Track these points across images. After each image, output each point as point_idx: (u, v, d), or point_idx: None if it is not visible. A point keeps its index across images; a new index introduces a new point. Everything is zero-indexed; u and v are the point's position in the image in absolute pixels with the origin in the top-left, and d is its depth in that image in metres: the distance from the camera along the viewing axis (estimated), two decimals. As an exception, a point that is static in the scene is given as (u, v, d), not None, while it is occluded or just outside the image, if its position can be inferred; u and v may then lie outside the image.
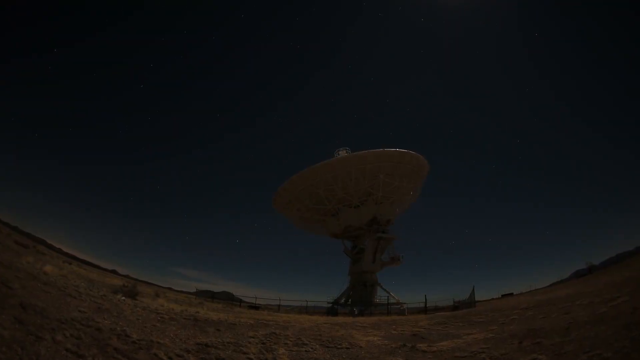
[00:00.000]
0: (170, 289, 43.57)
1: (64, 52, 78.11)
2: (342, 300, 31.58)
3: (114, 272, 47.66)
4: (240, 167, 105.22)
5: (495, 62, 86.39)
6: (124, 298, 10.01)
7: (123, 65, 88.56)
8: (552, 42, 76.15)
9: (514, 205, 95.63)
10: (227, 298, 35.57)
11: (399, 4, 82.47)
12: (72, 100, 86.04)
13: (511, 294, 30.53)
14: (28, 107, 78.62)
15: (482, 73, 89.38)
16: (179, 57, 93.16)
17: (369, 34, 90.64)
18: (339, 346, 7.19)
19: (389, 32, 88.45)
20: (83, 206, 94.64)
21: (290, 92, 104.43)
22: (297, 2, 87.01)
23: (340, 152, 31.96)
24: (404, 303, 29.11)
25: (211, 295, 33.60)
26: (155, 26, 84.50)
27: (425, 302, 26.64)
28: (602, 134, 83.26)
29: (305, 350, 6.55)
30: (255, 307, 28.86)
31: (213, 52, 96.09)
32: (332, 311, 28.37)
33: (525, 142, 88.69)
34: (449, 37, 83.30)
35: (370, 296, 30.38)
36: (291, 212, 35.14)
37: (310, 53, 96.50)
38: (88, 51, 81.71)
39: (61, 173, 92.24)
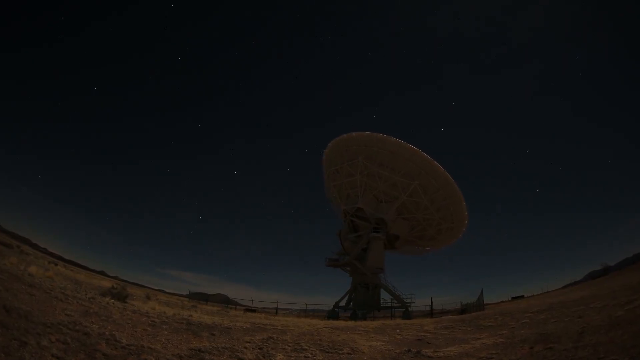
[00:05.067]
0: (161, 291, 43.94)
1: (50, 47, 78.30)
2: (344, 303, 31.71)
3: (102, 273, 47.98)
4: (239, 168, 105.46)
5: (506, 62, 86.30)
6: (113, 301, 10.05)
7: (117, 63, 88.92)
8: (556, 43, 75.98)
9: (525, 203, 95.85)
10: (222, 301, 35.82)
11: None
12: (63, 96, 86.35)
13: (522, 297, 30.68)
14: (15, 102, 78.86)
15: (494, 73, 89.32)
16: (176, 57, 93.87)
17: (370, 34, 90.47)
18: (340, 351, 7.22)
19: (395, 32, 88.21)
20: (70, 204, 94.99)
21: (286, 92, 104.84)
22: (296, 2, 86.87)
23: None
24: (409, 304, 29.26)
25: (205, 298, 33.82)
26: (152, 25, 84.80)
27: (432, 305, 26.82)
28: (617, 132, 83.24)
29: (305, 356, 6.58)
30: (251, 310, 29.02)
31: (213, 52, 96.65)
32: (333, 315, 28.52)
33: (538, 140, 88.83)
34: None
35: (372, 299, 30.48)
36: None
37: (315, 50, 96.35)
38: (81, 47, 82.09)
39: (48, 169, 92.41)
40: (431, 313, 25.51)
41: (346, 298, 32.09)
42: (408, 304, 29.24)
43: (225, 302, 34.91)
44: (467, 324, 12.32)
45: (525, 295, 31.01)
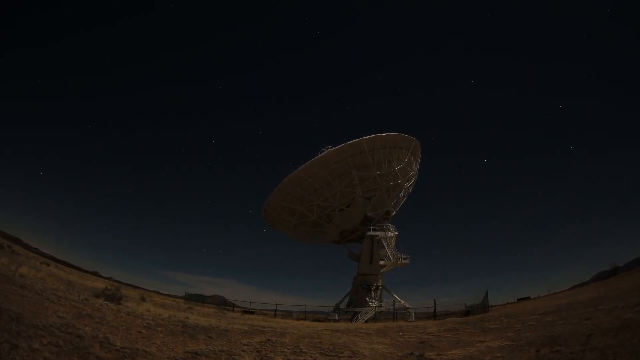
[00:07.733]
0: (157, 292, 44.04)
1: (48, 47, 78.70)
2: (344, 305, 31.76)
3: (95, 274, 48.13)
4: (235, 167, 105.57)
5: (520, 58, 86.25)
6: (106, 302, 10.07)
7: (117, 65, 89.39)
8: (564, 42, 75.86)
9: (531, 202, 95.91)
10: (219, 302, 35.90)
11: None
12: (60, 96, 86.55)
13: (528, 298, 30.76)
14: (11, 101, 79.12)
15: (501, 69, 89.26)
16: (171, 59, 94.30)
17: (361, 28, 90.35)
18: (341, 354, 7.24)
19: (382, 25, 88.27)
20: (63, 203, 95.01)
21: (281, 93, 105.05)
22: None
23: (324, 151, 31.20)
24: (410, 307, 29.31)
25: (202, 300, 33.91)
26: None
27: (435, 306, 26.82)
28: (627, 131, 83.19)
29: (304, 359, 6.61)
30: (249, 312, 29.11)
31: (207, 53, 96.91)
32: (333, 316, 28.59)
33: (548, 138, 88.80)
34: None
35: (363, 301, 30.39)
36: (283, 224, 34.44)
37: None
38: (79, 48, 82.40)
39: (40, 167, 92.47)
40: (434, 315, 25.55)
41: (347, 299, 32.15)
42: (408, 308, 29.31)
43: (223, 303, 34.97)
44: (472, 326, 12.35)
45: (531, 297, 31.11)
